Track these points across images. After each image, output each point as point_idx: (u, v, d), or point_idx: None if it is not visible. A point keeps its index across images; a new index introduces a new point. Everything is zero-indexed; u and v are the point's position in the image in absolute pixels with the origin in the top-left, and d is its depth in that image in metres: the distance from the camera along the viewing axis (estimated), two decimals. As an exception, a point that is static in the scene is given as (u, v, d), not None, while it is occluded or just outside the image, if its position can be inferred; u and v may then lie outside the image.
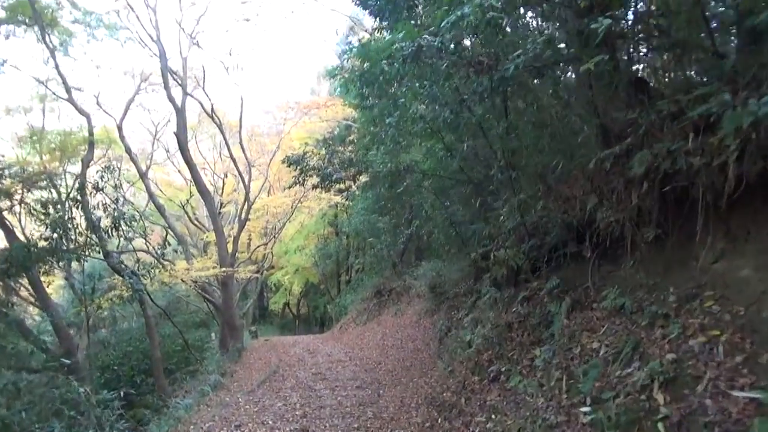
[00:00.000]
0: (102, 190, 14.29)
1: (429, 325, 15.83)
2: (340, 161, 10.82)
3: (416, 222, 16.34)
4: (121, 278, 14.16)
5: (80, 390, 10.46)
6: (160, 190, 27.80)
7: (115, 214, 14.02)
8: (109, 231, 14.17)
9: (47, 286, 22.44)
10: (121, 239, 15.21)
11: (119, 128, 19.04)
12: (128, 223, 14.27)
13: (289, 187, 11.44)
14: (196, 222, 27.35)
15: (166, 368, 18.72)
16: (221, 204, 26.65)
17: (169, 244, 20.43)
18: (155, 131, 24.23)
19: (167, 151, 26.38)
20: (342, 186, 21.81)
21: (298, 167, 10.74)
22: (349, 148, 11.64)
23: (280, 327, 38.78)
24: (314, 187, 11.08)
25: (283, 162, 10.90)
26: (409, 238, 19.99)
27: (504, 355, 6.69)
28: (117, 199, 14.24)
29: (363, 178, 12.09)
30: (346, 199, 22.53)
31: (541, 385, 5.47)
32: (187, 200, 25.77)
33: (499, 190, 8.66)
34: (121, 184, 26.76)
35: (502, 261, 7.24)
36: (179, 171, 27.21)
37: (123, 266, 14.67)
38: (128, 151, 18.81)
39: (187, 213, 27.36)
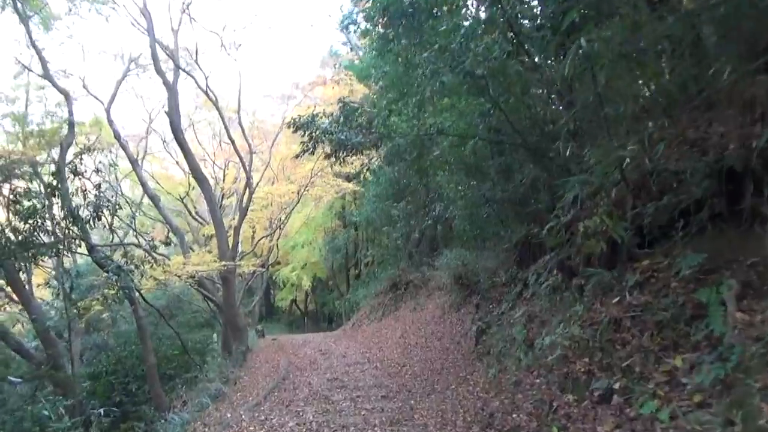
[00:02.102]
0: (81, 174, 12.18)
1: (456, 320, 13.77)
2: (357, 125, 8.75)
3: (439, 206, 14.16)
4: (107, 275, 12.02)
5: (44, 411, 8.32)
6: (158, 183, 25.71)
7: (96, 201, 11.89)
8: (91, 221, 12.05)
9: (36, 286, 20.48)
10: (107, 231, 13.05)
11: (107, 112, 16.99)
12: (112, 211, 12.16)
13: (296, 157, 9.33)
14: (196, 216, 25.24)
15: (165, 374, 16.63)
16: (222, 195, 24.54)
17: (171, 242, 18.41)
18: (149, 118, 22.14)
19: (164, 141, 24.27)
20: (356, 165, 19.78)
21: (307, 132, 8.65)
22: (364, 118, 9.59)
23: (288, 324, 36.77)
24: (326, 156, 8.95)
25: (288, 126, 8.80)
26: (429, 225, 17.87)
27: (614, 365, 4.56)
28: (99, 185, 12.06)
29: (381, 152, 9.97)
30: (363, 177, 20.42)
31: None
32: (187, 193, 23.63)
33: (571, 147, 6.50)
34: (115, 171, 24.89)
35: (595, 234, 5.08)
36: (177, 162, 25.08)
37: (109, 262, 12.55)
38: (117, 136, 16.75)
39: (186, 207, 25.26)
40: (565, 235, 6.22)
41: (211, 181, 26.73)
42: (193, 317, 25.21)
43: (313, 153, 8.78)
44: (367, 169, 16.60)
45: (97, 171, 12.46)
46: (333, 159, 9.02)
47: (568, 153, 6.99)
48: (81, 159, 12.29)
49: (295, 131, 8.78)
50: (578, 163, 7.06)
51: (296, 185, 20.86)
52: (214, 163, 26.42)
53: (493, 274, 11.37)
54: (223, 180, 25.85)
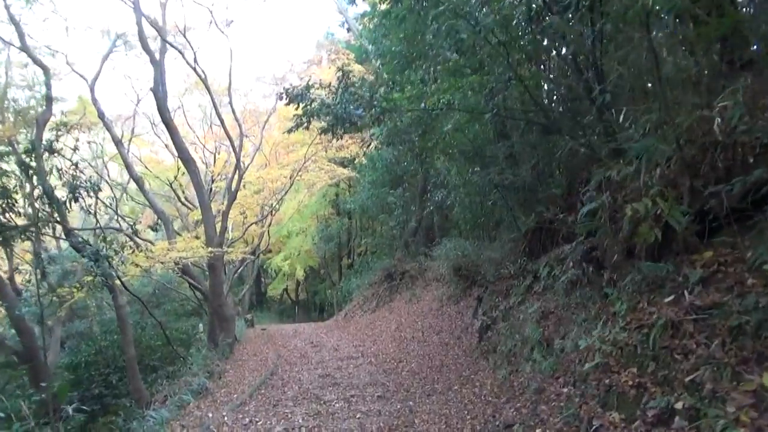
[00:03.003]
0: (57, 152, 11.17)
1: (455, 313, 12.91)
2: (357, 98, 7.78)
3: (440, 192, 13.23)
4: (84, 261, 11.02)
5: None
6: (146, 167, 24.56)
7: (74, 181, 10.88)
8: (67, 202, 11.04)
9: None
10: (92, 215, 12.02)
11: (91, 89, 15.86)
12: (90, 192, 11.14)
13: (288, 132, 8.34)
14: (185, 201, 24.15)
15: (148, 365, 15.69)
16: (212, 179, 23.41)
17: (158, 228, 17.33)
18: (137, 99, 20.97)
19: (153, 124, 23.07)
20: (351, 149, 18.79)
21: (301, 105, 7.66)
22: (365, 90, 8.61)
23: (279, 313, 35.83)
24: (322, 132, 7.95)
25: (280, 98, 7.82)
26: (428, 213, 16.97)
27: (673, 379, 3.67)
28: (76, 164, 11.04)
29: (383, 129, 8.98)
30: (358, 163, 19.40)
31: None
32: (175, 177, 22.53)
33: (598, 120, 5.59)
34: (102, 152, 23.75)
35: (645, 219, 4.17)
36: (167, 146, 23.91)
37: (88, 246, 11.53)
38: (101, 115, 15.61)
39: (175, 192, 24.16)
40: (598, 221, 5.30)
41: (201, 166, 25.65)
42: (180, 305, 24.22)
43: (307, 128, 7.80)
44: (367, 148, 15.51)
45: (75, 149, 11.42)
46: (330, 135, 8.04)
47: (598, 129, 6.10)
48: (57, 136, 11.26)
49: (287, 103, 7.80)
50: (608, 140, 6.16)
51: (289, 170, 19.81)
52: (204, 147, 25.27)
53: (498, 265, 10.47)
54: (214, 164, 24.74)
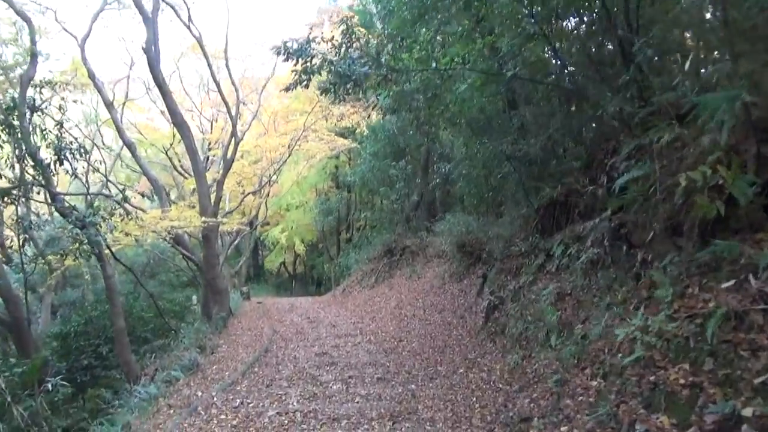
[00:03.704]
0: (41, 110, 10.44)
1: (458, 291, 12.37)
2: (364, 55, 7.04)
3: (446, 165, 12.55)
4: (69, 228, 10.37)
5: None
6: (140, 133, 23.75)
7: (59, 142, 10.18)
8: (52, 165, 10.36)
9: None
10: (89, 180, 11.34)
11: (81, 48, 15.04)
12: (76, 155, 10.44)
13: (286, 89, 7.58)
14: (181, 170, 23.40)
15: (140, 336, 15.14)
16: (209, 147, 22.65)
17: (152, 196, 16.64)
18: (131, 61, 20.08)
19: (148, 89, 22.24)
20: (354, 118, 18.00)
21: (301, 60, 6.90)
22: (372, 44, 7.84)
23: (275, 286, 35.34)
24: (323, 92, 7.21)
25: (278, 53, 7.05)
26: (435, 185, 16.29)
27: (738, 379, 3.06)
28: (61, 124, 10.32)
29: (391, 91, 8.23)
30: (359, 133, 18.60)
31: None
32: (171, 144, 21.77)
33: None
34: (97, 116, 22.89)
35: (702, 190, 3.52)
36: (162, 113, 23.08)
37: (74, 212, 10.87)
38: (92, 76, 14.82)
39: (171, 160, 23.41)
40: (636, 193, 4.66)
41: (197, 134, 24.86)
42: (176, 276, 23.70)
43: (307, 86, 7.06)
44: (368, 117, 14.71)
45: (61, 109, 10.68)
46: (332, 97, 7.32)
47: (630, 93, 5.42)
48: (41, 93, 10.52)
49: (286, 59, 7.06)
50: (642, 104, 5.48)
51: (288, 138, 19.04)
52: (201, 114, 24.45)
53: (507, 242, 9.86)
54: (210, 131, 23.94)
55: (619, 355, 4.17)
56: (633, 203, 4.87)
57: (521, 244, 9.06)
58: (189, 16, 13.81)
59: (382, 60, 6.92)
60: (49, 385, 8.38)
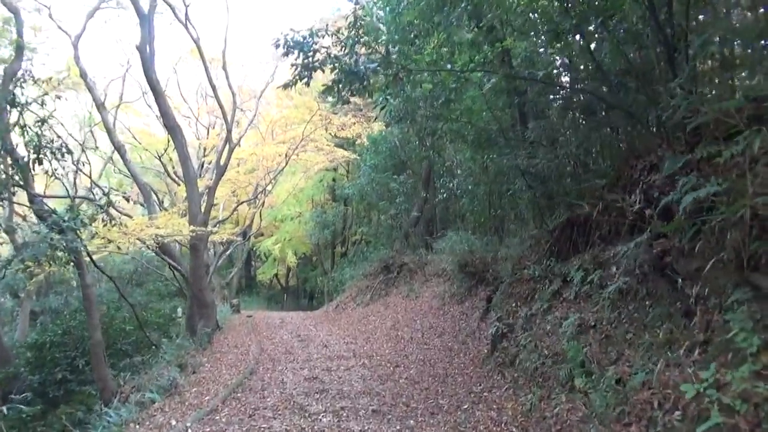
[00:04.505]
0: (22, 105, 9.63)
1: (459, 314, 11.55)
2: (372, 51, 6.29)
3: (456, 179, 11.78)
4: (45, 232, 9.49)
5: None
6: (134, 138, 22.94)
7: (38, 140, 9.34)
8: (30, 164, 9.52)
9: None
10: (50, 177, 10.43)
11: (75, 47, 14.33)
12: (57, 154, 9.60)
13: (285, 87, 6.76)
14: (174, 176, 22.54)
15: (121, 350, 14.17)
16: (204, 152, 21.84)
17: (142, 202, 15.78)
18: (127, 63, 19.31)
19: (144, 93, 21.42)
20: (354, 129, 17.24)
21: (302, 54, 6.11)
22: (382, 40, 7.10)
23: (267, 299, 34.34)
24: (326, 90, 6.40)
25: (276, 46, 6.28)
26: (441, 201, 15.51)
27: None
28: (43, 120, 9.51)
29: (389, 99, 7.45)
30: (359, 145, 17.82)
31: None
32: (165, 149, 20.95)
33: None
34: (91, 118, 21.99)
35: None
36: (158, 117, 22.27)
37: (54, 216, 10.00)
38: (83, 75, 14.09)
39: (164, 166, 22.58)
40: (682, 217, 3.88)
41: (194, 140, 24.07)
42: (164, 285, 22.69)
43: (308, 84, 6.28)
44: (370, 126, 13.89)
45: (43, 104, 9.86)
46: (335, 96, 6.54)
47: (674, 102, 4.67)
48: (21, 87, 9.72)
49: (285, 53, 6.29)
50: (688, 116, 4.72)
51: (285, 147, 18.23)
52: (197, 120, 23.68)
53: (516, 264, 9.05)
54: (207, 136, 23.15)
55: (676, 412, 3.34)
56: (684, 227, 4.08)
57: (533, 267, 8.24)
58: (186, 15, 13.09)
59: (393, 58, 6.18)
60: (4, 409, 7.37)
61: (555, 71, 7.54)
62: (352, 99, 19.22)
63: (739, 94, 4.07)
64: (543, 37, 6.33)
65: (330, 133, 19.13)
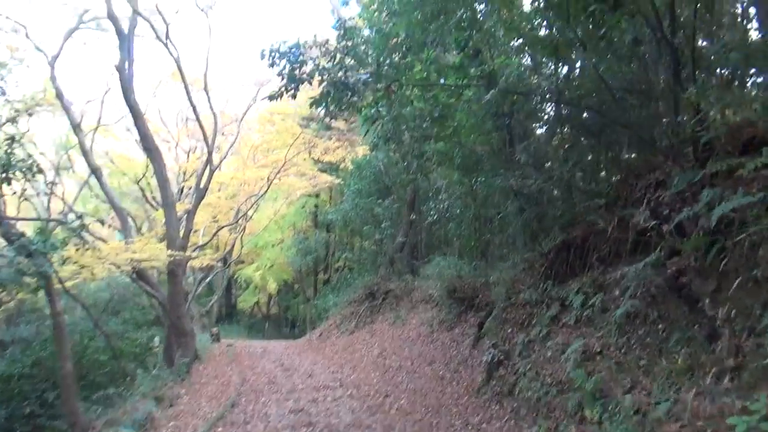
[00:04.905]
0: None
1: (449, 341, 11.13)
2: (363, 63, 6.00)
3: (440, 203, 11.47)
4: (10, 256, 8.92)
5: None
6: (112, 162, 22.37)
7: (8, 158, 8.84)
8: (-3, 182, 9.01)
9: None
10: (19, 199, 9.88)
11: (51, 67, 13.88)
12: (27, 174, 9.08)
13: (271, 98, 6.41)
14: (153, 202, 21.90)
15: (94, 381, 13.40)
16: (184, 176, 21.30)
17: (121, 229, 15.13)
18: (106, 86, 18.83)
19: (123, 117, 20.92)
20: (339, 153, 16.95)
21: (288, 64, 5.77)
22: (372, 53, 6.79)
23: (248, 327, 33.37)
24: (313, 104, 6.02)
25: (262, 57, 5.94)
26: (418, 228, 15.19)
27: None
28: (12, 138, 9.02)
29: (378, 118, 7.13)
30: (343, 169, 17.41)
31: None
32: (144, 174, 20.38)
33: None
34: (68, 141, 21.28)
35: None
36: (137, 141, 21.74)
37: (23, 239, 9.43)
38: (59, 95, 13.61)
39: (143, 191, 21.97)
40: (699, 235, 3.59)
41: (173, 165, 23.54)
42: (141, 313, 21.84)
43: (294, 96, 5.94)
44: (353, 152, 13.56)
45: (14, 121, 9.39)
46: (322, 110, 6.20)
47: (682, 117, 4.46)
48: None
49: (271, 64, 5.96)
50: (699, 130, 4.49)
51: (267, 171, 17.80)
52: (177, 144, 23.19)
53: (510, 288, 8.70)
54: (187, 160, 22.65)
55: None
56: (700, 245, 3.79)
57: (529, 292, 7.92)
58: (167, 34, 12.75)
59: (384, 68, 5.90)
60: None
61: (547, 89, 7.33)
62: (335, 125, 19.20)
63: (756, 105, 3.82)
64: (537, 54, 6.08)
65: (313, 158, 18.81)
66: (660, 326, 4.80)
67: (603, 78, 5.47)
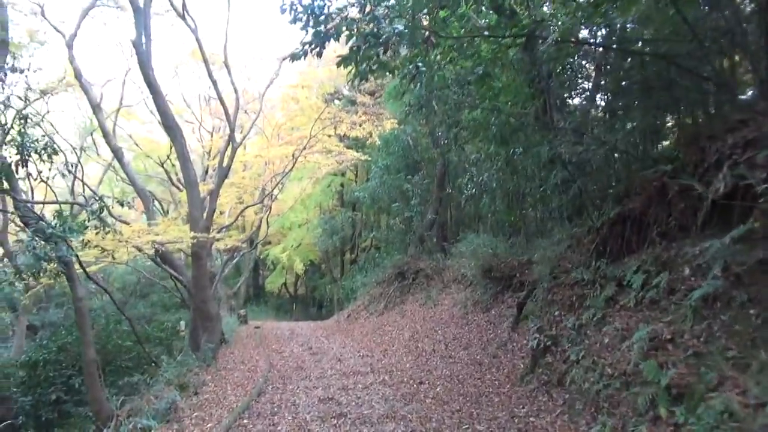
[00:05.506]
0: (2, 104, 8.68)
1: (485, 324, 10.48)
2: (392, 12, 5.27)
3: (484, 174, 10.70)
4: (28, 240, 8.50)
5: None
6: (136, 144, 22.04)
7: (22, 139, 8.37)
8: (14, 166, 8.55)
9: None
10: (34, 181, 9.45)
11: (69, 47, 13.42)
12: (42, 155, 8.62)
13: (292, 58, 5.74)
14: (178, 183, 21.52)
15: (121, 366, 13.15)
16: (208, 154, 20.86)
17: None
18: (127, 67, 18.42)
19: (145, 99, 20.51)
20: (365, 128, 16.25)
21: (312, 18, 5.09)
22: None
23: (276, 308, 33.23)
24: (340, 62, 5.30)
25: (282, 11, 5.26)
26: (451, 205, 14.46)
27: None
28: (25, 117, 8.53)
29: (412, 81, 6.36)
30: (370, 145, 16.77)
31: None
32: (168, 155, 19.99)
33: None
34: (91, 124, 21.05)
35: None
36: (160, 123, 21.32)
37: (43, 223, 9.01)
38: (78, 75, 13.17)
39: (167, 172, 21.63)
40: None
41: (197, 146, 23.15)
42: (168, 296, 21.68)
43: (320, 54, 5.26)
44: (381, 125, 12.77)
45: (26, 100, 8.91)
46: (351, 69, 5.48)
47: None
48: (2, 81, 8.76)
49: (293, 20, 5.30)
50: None
51: (292, 147, 17.16)
52: (201, 125, 22.71)
53: (556, 267, 7.95)
54: (211, 138, 22.19)
55: None
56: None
57: (580, 271, 7.15)
58: (184, 5, 12.12)
59: (420, 22, 5.17)
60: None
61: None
62: (360, 99, 18.43)
63: None
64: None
65: (339, 134, 18.12)
66: (752, 311, 4.05)
67: (685, 18, 4.61)
